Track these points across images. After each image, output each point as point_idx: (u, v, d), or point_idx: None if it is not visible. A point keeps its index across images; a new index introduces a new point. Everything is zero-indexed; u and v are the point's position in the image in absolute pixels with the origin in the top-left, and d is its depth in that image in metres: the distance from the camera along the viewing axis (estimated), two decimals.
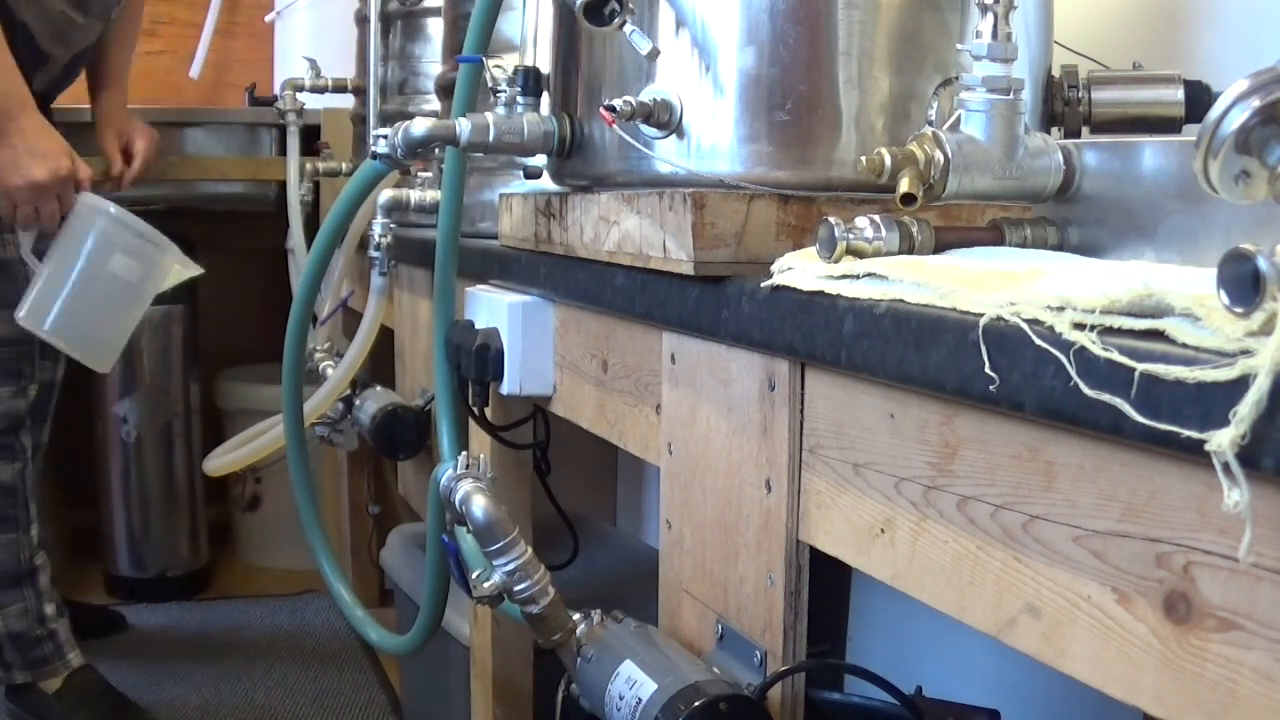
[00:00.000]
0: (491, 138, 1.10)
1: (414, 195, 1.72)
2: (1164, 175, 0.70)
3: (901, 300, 0.67)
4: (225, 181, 2.73)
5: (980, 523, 0.66)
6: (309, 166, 2.43)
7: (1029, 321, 0.57)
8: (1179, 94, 1.10)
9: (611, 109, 0.97)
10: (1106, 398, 0.52)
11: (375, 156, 1.15)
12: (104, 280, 1.79)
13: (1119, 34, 1.35)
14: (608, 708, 0.91)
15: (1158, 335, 0.51)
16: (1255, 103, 0.53)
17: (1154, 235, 0.71)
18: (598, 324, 1.13)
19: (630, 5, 0.96)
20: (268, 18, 3.31)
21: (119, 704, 2.18)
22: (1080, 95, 1.08)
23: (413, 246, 1.71)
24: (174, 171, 2.57)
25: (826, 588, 1.27)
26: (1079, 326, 0.54)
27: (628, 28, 0.96)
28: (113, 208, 1.69)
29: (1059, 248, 0.78)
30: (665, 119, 0.98)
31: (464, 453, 1.12)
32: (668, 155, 0.99)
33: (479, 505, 1.03)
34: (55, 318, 1.89)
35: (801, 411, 0.83)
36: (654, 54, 0.96)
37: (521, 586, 1.00)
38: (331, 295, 2.02)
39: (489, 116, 1.10)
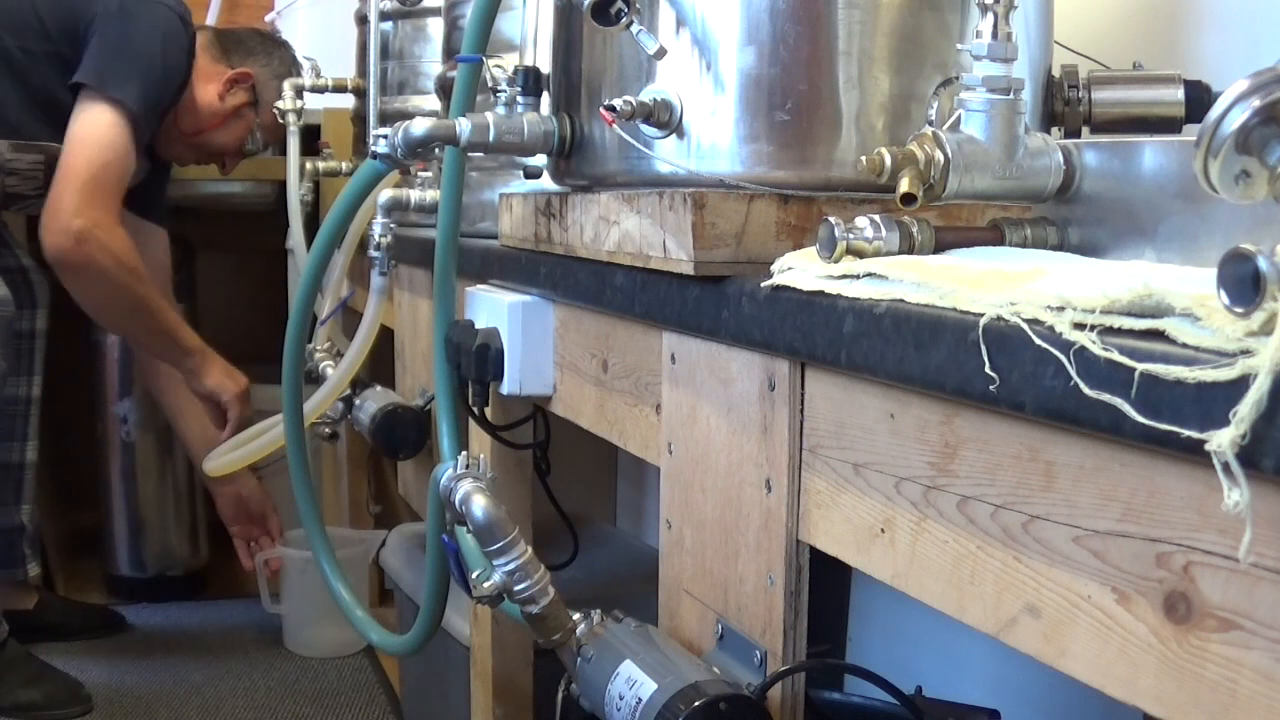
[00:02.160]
0: (491, 138, 1.10)
1: (414, 195, 1.72)
2: (1164, 175, 0.70)
3: (901, 300, 0.67)
4: (225, 181, 2.72)
5: (980, 523, 0.66)
6: (309, 166, 2.43)
7: (1029, 321, 0.57)
8: (1179, 94, 1.10)
9: (611, 109, 0.97)
10: (1106, 398, 0.52)
11: (375, 156, 1.15)
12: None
13: (1119, 34, 1.35)
14: (608, 708, 0.91)
15: (1158, 335, 0.51)
16: (1255, 103, 0.53)
17: (1154, 235, 0.71)
18: (598, 324, 1.13)
19: (636, 5, 0.96)
20: (268, 17, 3.31)
21: (43, 668, 2.21)
22: (1080, 95, 1.08)
23: (413, 246, 1.71)
24: (174, 171, 2.57)
25: (826, 588, 1.27)
26: (1079, 326, 0.54)
27: (634, 28, 0.96)
28: (306, 555, 2.00)
29: (1059, 248, 0.78)
30: (665, 119, 0.98)
31: (464, 453, 1.12)
32: (668, 155, 0.99)
33: (479, 505, 1.03)
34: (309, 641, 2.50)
35: (801, 411, 0.83)
36: (660, 53, 0.96)
37: (521, 586, 1.00)
38: (331, 295, 2.02)
39: (489, 116, 1.10)
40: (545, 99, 1.15)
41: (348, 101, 2.46)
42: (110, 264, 2.07)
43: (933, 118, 0.93)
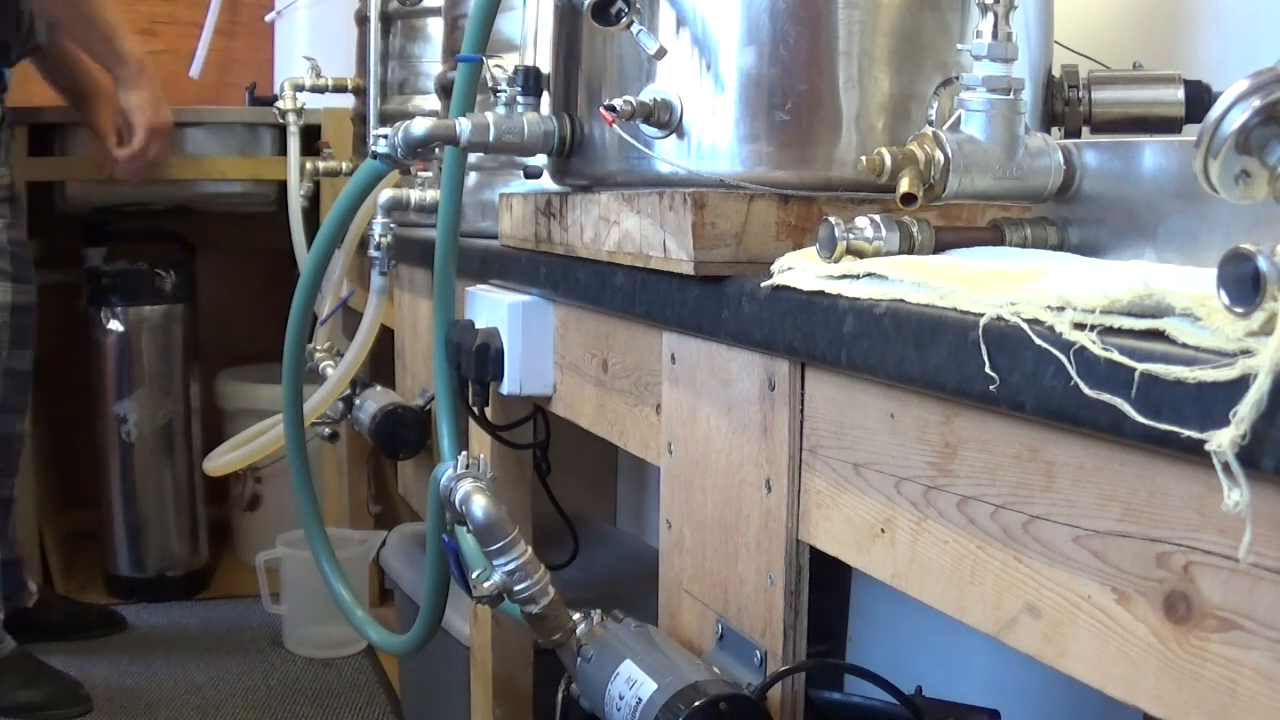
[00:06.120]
0: (491, 138, 1.10)
1: (414, 195, 1.72)
2: (1164, 175, 0.70)
3: (901, 300, 0.67)
4: (225, 181, 2.73)
5: (980, 523, 0.66)
6: (309, 166, 2.43)
7: (1029, 321, 0.57)
8: (1179, 94, 1.10)
9: (611, 109, 0.97)
10: (1106, 398, 0.52)
11: (375, 156, 1.15)
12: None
13: (1119, 34, 1.35)
14: (608, 708, 0.91)
15: (1158, 335, 0.51)
16: (1255, 103, 0.53)
17: (1154, 235, 0.71)
18: (598, 324, 1.13)
19: (637, 5, 0.96)
20: (268, 18, 3.30)
21: (43, 668, 2.22)
22: (1080, 95, 1.08)
23: (413, 246, 1.71)
24: (174, 171, 2.57)
25: (826, 588, 1.27)
26: (1079, 326, 0.54)
27: (634, 28, 0.96)
28: (306, 555, 2.04)
29: (1059, 248, 0.78)
30: (665, 119, 0.98)
31: (464, 453, 1.12)
32: (668, 155, 0.99)
33: (479, 505, 1.03)
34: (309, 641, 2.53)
35: (801, 411, 0.83)
36: (660, 53, 0.96)
37: (521, 586, 1.00)
38: (331, 295, 2.02)
39: (489, 116, 1.10)
40: (545, 99, 1.15)
41: (348, 101, 2.46)
42: None
43: (933, 118, 0.93)
